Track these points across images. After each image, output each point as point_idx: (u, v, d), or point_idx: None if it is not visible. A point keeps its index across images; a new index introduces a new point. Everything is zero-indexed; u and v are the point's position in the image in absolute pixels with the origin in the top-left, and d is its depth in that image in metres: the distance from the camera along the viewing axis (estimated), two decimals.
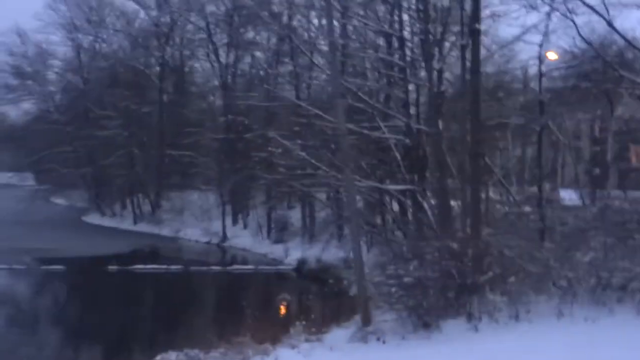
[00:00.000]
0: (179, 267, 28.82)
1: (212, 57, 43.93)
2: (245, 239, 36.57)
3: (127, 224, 44.63)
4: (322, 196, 28.12)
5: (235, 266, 30.30)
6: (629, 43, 18.52)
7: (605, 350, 10.62)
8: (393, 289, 14.04)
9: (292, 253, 30.74)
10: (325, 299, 16.54)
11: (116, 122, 45.17)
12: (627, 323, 11.43)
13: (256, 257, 32.13)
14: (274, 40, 37.22)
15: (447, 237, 14.70)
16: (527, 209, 17.59)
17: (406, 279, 13.74)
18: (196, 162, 42.99)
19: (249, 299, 19.23)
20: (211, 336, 13.17)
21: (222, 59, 43.21)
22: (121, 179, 46.21)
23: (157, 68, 48.48)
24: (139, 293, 23.44)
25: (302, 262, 28.34)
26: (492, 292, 13.10)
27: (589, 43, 19.58)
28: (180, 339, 13.51)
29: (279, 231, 34.84)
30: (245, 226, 38.99)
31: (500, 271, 13.48)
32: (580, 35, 18.90)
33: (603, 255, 12.46)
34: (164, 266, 28.87)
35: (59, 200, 58.28)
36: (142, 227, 42.90)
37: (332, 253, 25.13)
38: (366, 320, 14.00)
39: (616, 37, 19.89)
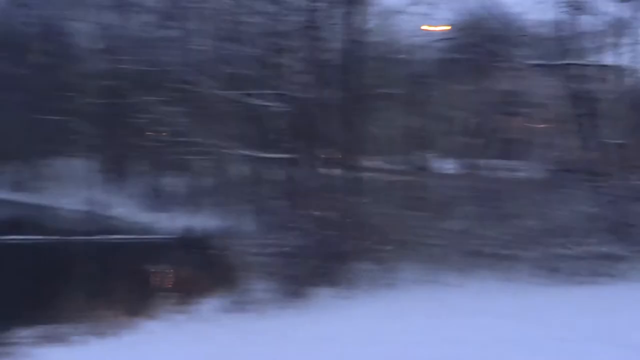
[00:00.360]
0: (54, 237, 27.61)
1: (96, 18, 42.06)
2: (127, 207, 35.47)
3: (3, 193, 42.43)
4: (208, 164, 27.55)
5: (115, 235, 29.34)
6: (507, 18, 18.88)
7: (472, 316, 10.83)
8: (268, 258, 13.87)
9: (175, 221, 30.01)
10: (203, 269, 16.11)
11: None
12: (496, 289, 11.72)
13: (138, 226, 31.15)
14: (160, 3, 35.97)
15: (324, 206, 14.58)
16: (405, 178, 17.74)
17: (281, 249, 13.61)
18: (77, 128, 41.22)
19: (123, 269, 18.51)
20: (74, 310, 12.50)
21: (106, 21, 41.48)
22: None
23: (37, 28, 46.00)
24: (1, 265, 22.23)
25: (184, 231, 27.73)
26: (365, 260, 13.14)
27: (468, 16, 19.88)
28: (40, 314, 12.75)
29: (162, 199, 34.00)
30: (127, 195, 37.84)
31: (374, 239, 13.52)
32: (461, 8, 19.15)
33: (474, 224, 12.68)
34: (39, 236, 27.61)
35: None
36: (19, 196, 40.90)
37: (214, 222, 24.69)
38: (240, 290, 13.74)
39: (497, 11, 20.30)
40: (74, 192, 40.05)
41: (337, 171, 17.71)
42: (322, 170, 17.93)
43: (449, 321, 10.67)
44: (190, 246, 21.81)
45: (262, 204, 17.49)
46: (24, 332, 11.49)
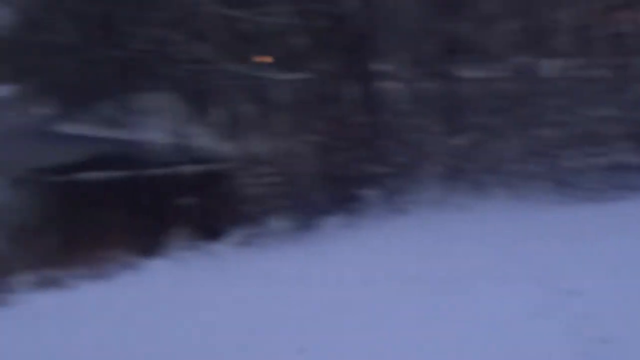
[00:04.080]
0: (125, 172, 28.11)
1: None
2: (207, 138, 35.66)
3: (91, 130, 43.67)
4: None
5: (187, 166, 29.53)
6: None
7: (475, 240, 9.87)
8: (281, 187, 13.22)
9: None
10: (224, 201, 15.54)
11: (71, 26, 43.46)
12: (500, 208, 10.59)
13: (212, 155, 31.25)
14: None
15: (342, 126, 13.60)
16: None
17: (290, 174, 12.88)
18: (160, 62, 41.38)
19: (162, 202, 18.39)
20: (76, 251, 12.34)
21: None
22: (86, 84, 44.88)
23: None
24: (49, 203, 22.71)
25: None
26: (376, 185, 12.22)
27: None
28: (42, 256, 12.68)
29: (236, 129, 33.84)
30: (207, 125, 38.01)
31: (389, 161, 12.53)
32: None
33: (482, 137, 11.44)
34: (110, 173, 28.15)
35: (36, 110, 57.27)
36: (107, 132, 42.01)
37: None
38: (253, 224, 13.15)
39: None
40: (159, 126, 40.71)
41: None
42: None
43: (444, 245, 9.80)
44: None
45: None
46: (16, 278, 11.42)
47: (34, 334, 9.04)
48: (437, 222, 10.99)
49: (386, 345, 6.74)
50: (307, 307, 8.12)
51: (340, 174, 12.43)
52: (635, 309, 6.65)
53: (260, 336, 7.50)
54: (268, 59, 17.47)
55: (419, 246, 10.31)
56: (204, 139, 35.61)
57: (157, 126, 39.99)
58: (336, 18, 16.83)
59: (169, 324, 8.64)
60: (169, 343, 7.87)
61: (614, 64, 12.93)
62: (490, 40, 12.53)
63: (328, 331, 7.20)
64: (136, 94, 44.04)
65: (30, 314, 10.23)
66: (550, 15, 12.95)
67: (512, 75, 12.68)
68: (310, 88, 15.74)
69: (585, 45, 16.07)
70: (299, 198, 12.63)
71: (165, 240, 12.92)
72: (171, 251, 12.62)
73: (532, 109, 11.60)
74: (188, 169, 29.61)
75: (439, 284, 8.18)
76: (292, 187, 12.68)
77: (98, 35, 43.36)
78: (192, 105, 39.49)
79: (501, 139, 11.27)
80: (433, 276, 8.49)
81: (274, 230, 12.73)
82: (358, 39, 16.57)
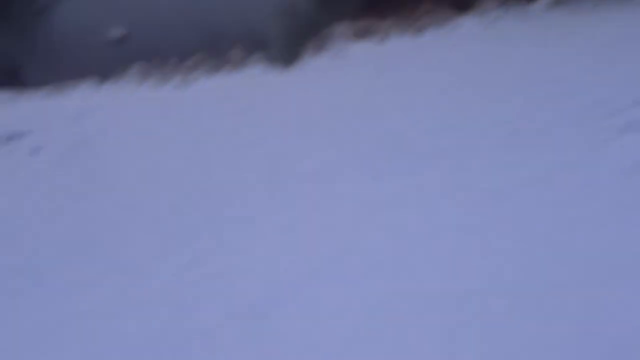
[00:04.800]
0: None
1: None
2: None
3: None
4: None
5: None
6: None
7: None
8: None
9: None
10: None
11: None
12: None
13: None
14: None
15: None
16: None
17: None
18: None
19: None
20: (398, 5, 12.42)
21: None
22: None
23: None
24: None
25: None
26: None
27: None
28: (364, 9, 12.95)
29: None
30: None
31: None
32: None
33: None
34: None
35: None
36: None
37: None
38: None
39: None
40: None
41: None
42: None
43: None
44: None
45: None
46: (337, 28, 12.01)
47: (349, 76, 9.81)
48: None
49: None
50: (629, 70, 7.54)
51: None
52: None
53: (566, 101, 7.23)
54: None
55: None
56: None
57: None
58: None
59: (474, 76, 8.75)
60: (460, 96, 7.99)
61: None
62: None
63: None
64: None
65: (346, 60, 10.98)
66: None
67: None
68: None
69: None
70: None
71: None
72: (483, 9, 12.36)
73: None
74: None
75: None
76: None
77: None
78: None
79: None
80: None
81: None
82: None
